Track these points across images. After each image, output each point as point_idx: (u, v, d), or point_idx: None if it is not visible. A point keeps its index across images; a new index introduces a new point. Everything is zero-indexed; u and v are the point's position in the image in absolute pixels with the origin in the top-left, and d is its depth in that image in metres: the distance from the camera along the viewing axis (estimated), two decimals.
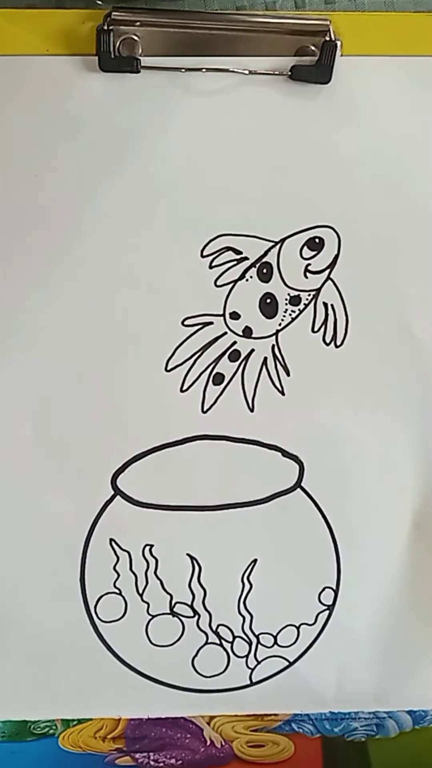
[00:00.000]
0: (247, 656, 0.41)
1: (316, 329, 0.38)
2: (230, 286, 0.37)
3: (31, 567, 0.39)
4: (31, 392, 0.37)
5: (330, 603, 0.40)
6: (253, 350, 0.38)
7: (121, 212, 0.36)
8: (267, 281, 0.37)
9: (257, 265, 0.37)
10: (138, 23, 0.34)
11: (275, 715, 0.42)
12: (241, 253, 0.37)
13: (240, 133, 0.36)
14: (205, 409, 0.38)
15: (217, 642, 0.41)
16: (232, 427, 0.38)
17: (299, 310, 0.38)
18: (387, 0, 0.35)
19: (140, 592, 0.40)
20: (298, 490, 0.39)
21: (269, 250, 0.37)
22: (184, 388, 0.38)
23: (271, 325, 0.38)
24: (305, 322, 0.38)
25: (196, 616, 0.40)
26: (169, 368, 0.38)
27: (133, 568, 0.39)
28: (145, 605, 0.40)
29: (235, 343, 0.38)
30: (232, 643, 0.41)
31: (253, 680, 0.41)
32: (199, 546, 0.39)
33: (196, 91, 0.35)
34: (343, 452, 0.39)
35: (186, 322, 0.37)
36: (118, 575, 0.39)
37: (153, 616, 0.40)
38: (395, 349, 0.38)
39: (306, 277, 0.37)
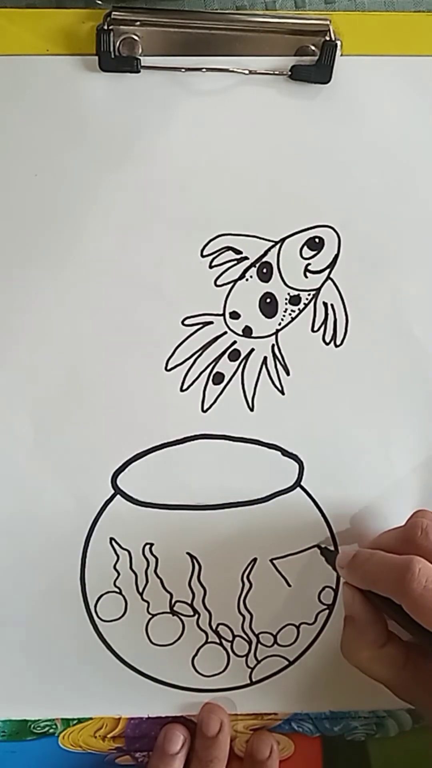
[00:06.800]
0: (246, 655, 0.41)
1: (315, 329, 0.38)
2: (230, 285, 0.37)
3: (31, 566, 0.39)
4: (31, 392, 0.37)
5: (330, 602, 0.40)
6: (252, 350, 0.38)
7: (121, 212, 0.36)
8: (267, 281, 0.37)
9: (257, 265, 0.37)
10: (138, 23, 0.34)
11: (275, 714, 0.42)
12: (241, 252, 0.37)
13: (240, 133, 0.36)
14: (205, 408, 0.38)
15: (217, 641, 0.41)
16: (231, 427, 0.38)
17: (299, 309, 0.38)
18: (387, 0, 0.35)
19: (140, 591, 0.40)
20: (298, 489, 0.39)
21: (269, 249, 0.37)
22: (184, 387, 0.38)
23: (270, 324, 0.38)
24: (305, 322, 0.38)
25: (196, 615, 0.40)
26: (169, 368, 0.38)
27: (133, 567, 0.39)
28: (145, 604, 0.40)
29: (235, 342, 0.38)
30: (231, 642, 0.41)
31: (253, 679, 0.41)
32: (199, 545, 0.39)
33: (196, 91, 0.35)
34: (343, 451, 0.39)
35: (186, 322, 0.37)
36: (118, 574, 0.39)
37: (153, 615, 0.40)
38: (395, 348, 0.38)
39: (306, 276, 0.37)
